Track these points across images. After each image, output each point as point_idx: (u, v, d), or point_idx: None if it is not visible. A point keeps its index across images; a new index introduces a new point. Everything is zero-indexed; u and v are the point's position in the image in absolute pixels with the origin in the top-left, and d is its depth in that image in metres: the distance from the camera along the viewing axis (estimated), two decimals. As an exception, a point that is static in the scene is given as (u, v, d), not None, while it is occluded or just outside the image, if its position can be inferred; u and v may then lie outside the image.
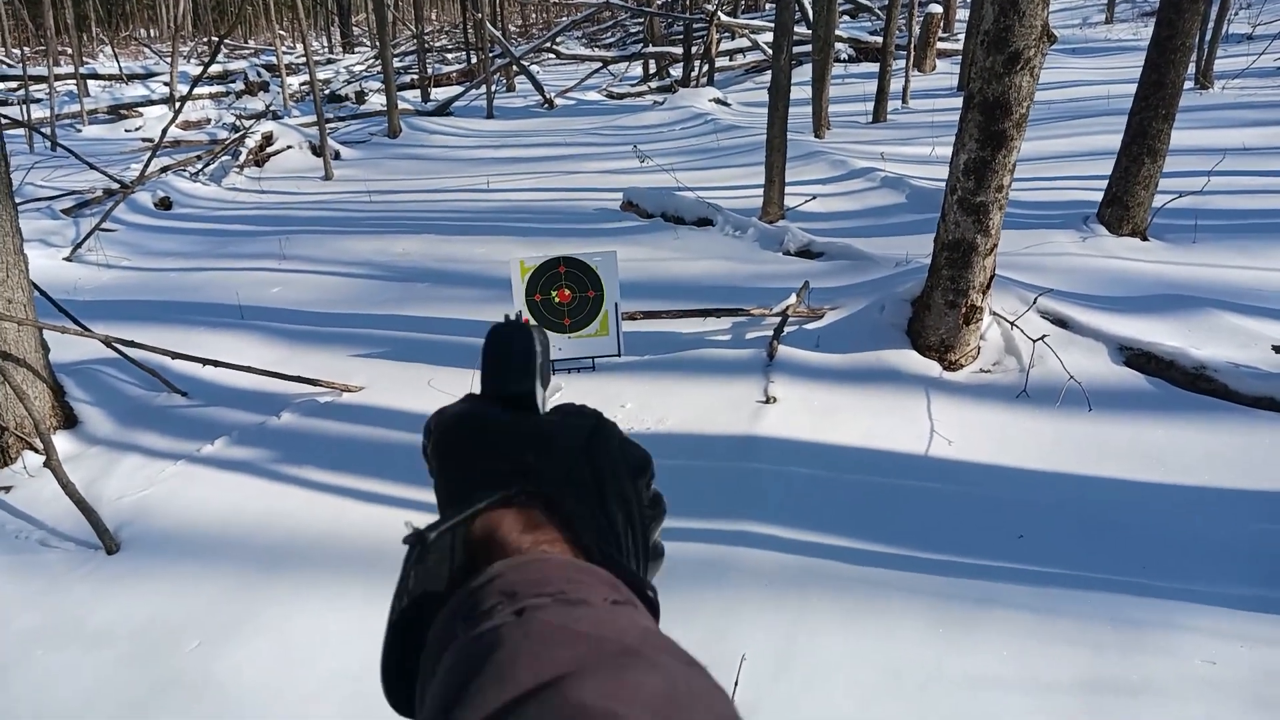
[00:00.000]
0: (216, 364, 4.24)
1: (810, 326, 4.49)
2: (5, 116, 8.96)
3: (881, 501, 3.19)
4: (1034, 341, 3.91)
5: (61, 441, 4.04)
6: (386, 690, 0.50)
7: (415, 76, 18.76)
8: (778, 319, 4.54)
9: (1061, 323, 4.16)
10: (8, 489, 3.77)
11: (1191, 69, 9.69)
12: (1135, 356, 3.93)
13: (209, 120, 15.68)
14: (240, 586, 3.04)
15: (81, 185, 9.78)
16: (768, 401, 3.83)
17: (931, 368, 4.04)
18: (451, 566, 0.51)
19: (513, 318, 0.61)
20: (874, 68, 15.00)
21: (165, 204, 9.20)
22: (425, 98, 17.04)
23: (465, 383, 4.25)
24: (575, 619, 0.42)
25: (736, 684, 2.40)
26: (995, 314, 4.20)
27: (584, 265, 4.27)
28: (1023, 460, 3.36)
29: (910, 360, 4.08)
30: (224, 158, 11.08)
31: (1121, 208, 5.66)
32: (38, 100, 17.15)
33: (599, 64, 20.17)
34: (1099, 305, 4.39)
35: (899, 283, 4.52)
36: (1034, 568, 2.81)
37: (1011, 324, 4.09)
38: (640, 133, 12.41)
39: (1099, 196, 5.96)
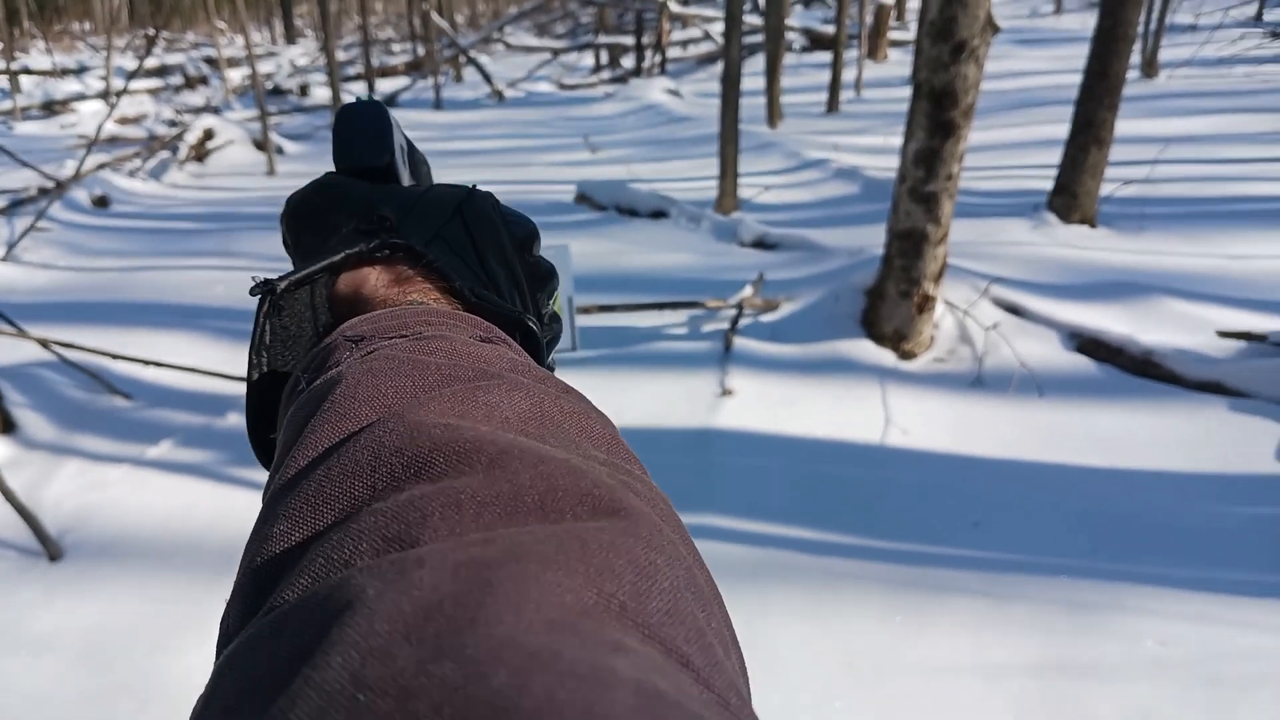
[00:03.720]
0: (158, 365, 4.12)
1: (766, 318, 4.50)
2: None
3: (838, 492, 3.20)
4: (986, 330, 3.95)
5: (-2, 448, 3.90)
6: (258, 455, 0.46)
7: (360, 69, 18.47)
8: (734, 311, 4.54)
9: (1014, 310, 4.22)
10: (-60, 499, 3.63)
11: (1138, 59, 9.91)
12: (1085, 343, 4.00)
13: (147, 116, 15.28)
14: (189, 590, 2.96)
15: (15, 184, 9.46)
16: (725, 394, 3.82)
17: (886, 357, 4.07)
18: (316, 327, 0.47)
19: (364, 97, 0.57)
20: (827, 57, 15.11)
21: (103, 202, 8.93)
22: (371, 90, 16.78)
23: (418, 380, 4.19)
24: (428, 351, 0.38)
25: (697, 679, 2.39)
26: (948, 303, 4.24)
27: (537, 259, 4.21)
28: (977, 448, 3.40)
29: (865, 350, 4.10)
30: (163, 154, 10.79)
31: (1070, 196, 5.75)
32: (-33, 95, 16.58)
33: (549, 54, 20.04)
34: (1050, 293, 4.45)
35: (853, 273, 4.55)
36: (989, 554, 2.84)
37: (964, 313, 4.13)
38: (592, 124, 12.34)
39: (1049, 185, 6.05)
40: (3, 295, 5.87)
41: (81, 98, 16.96)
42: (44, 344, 4.12)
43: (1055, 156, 5.97)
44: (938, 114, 3.72)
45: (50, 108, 16.40)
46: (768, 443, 3.50)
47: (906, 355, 4.12)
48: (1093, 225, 5.81)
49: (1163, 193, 6.35)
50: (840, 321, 4.30)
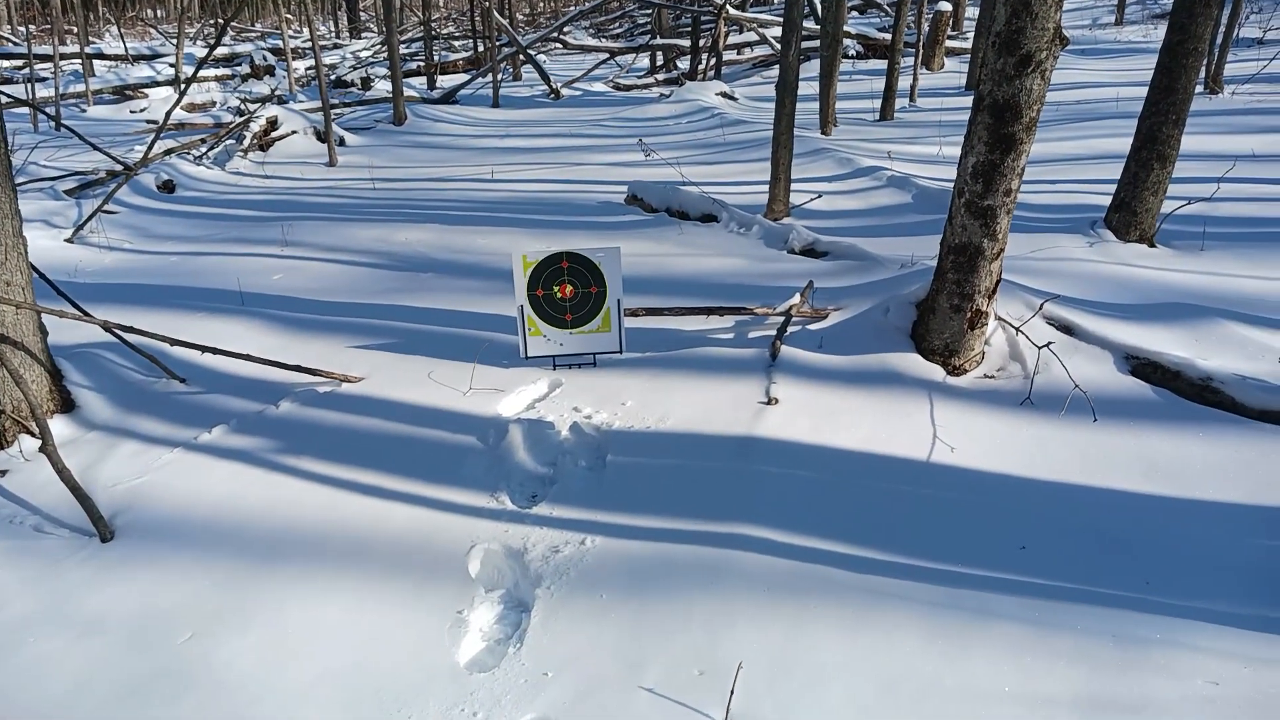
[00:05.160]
0: (215, 351, 4.22)
1: (814, 327, 4.46)
2: (9, 95, 8.92)
3: (882, 507, 3.16)
4: (1039, 348, 3.87)
5: (58, 426, 4.01)
6: None
7: (421, 64, 18.69)
8: (781, 319, 4.51)
9: (1067, 329, 4.13)
10: (3, 473, 3.74)
11: (1201, 73, 9.64)
12: (1141, 366, 3.90)
13: (214, 103, 15.63)
14: (234, 577, 3.02)
15: (85, 166, 9.74)
16: (769, 402, 3.80)
17: (935, 372, 4.01)
18: None
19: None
20: (881, 64, 14.96)
21: (168, 187, 9.16)
22: (431, 85, 16.98)
23: (466, 375, 4.23)
24: None
25: (733, 692, 2.38)
26: (1000, 319, 4.17)
27: (587, 261, 4.23)
28: (1026, 469, 3.33)
29: (914, 364, 4.05)
30: (228, 141, 11.03)
31: (1129, 213, 5.62)
32: (43, 79, 17.10)
33: (606, 55, 20.09)
34: (1105, 312, 4.35)
35: (904, 285, 4.49)
36: (1035, 580, 2.78)
37: (1017, 329, 4.06)
38: (646, 125, 12.35)
39: (1106, 201, 5.92)
40: (69, 276, 6.05)
41: (152, 84, 17.39)
42: (106, 327, 4.23)
43: (1112, 171, 5.84)
44: (999, 127, 3.65)
45: (122, 92, 16.85)
46: (811, 454, 3.47)
47: (956, 370, 4.06)
48: (1151, 244, 5.67)
49: (1224, 212, 6.17)
50: (889, 333, 4.25)
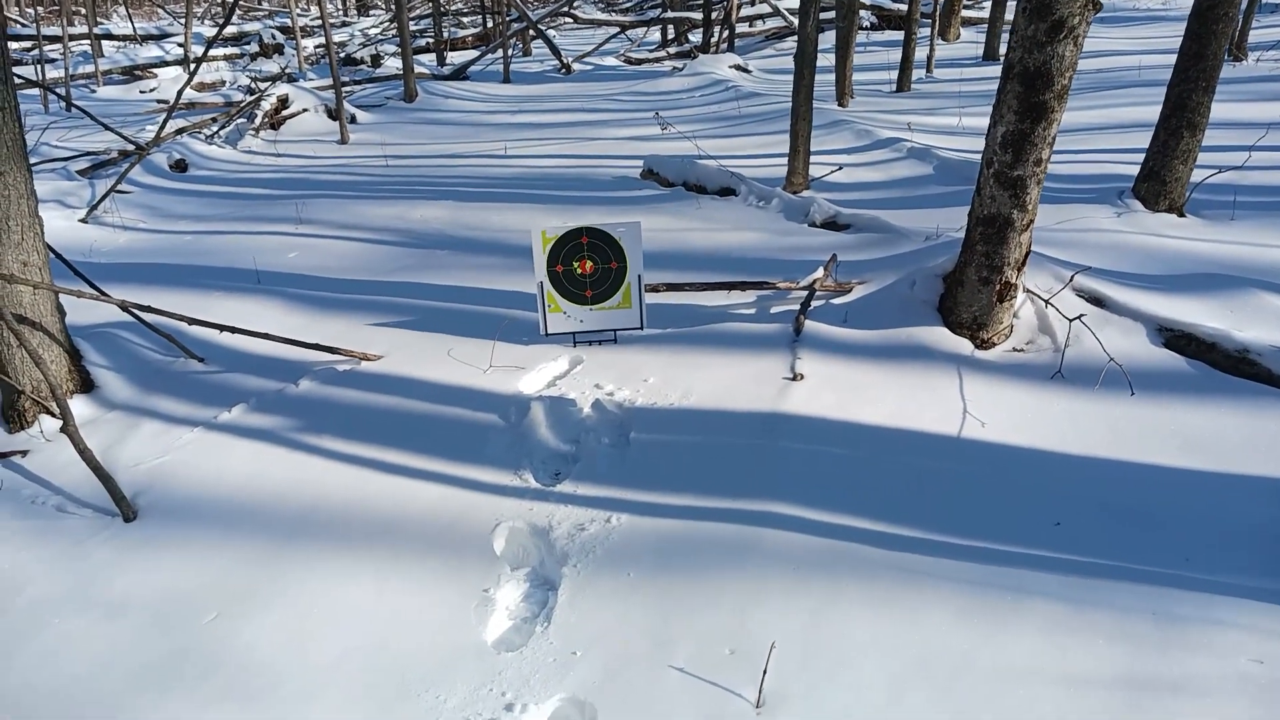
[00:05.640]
0: (234, 330, 4.18)
1: (838, 301, 4.39)
2: (20, 76, 8.87)
3: (911, 484, 3.11)
4: (1070, 321, 3.80)
5: (78, 406, 4.00)
6: None
7: (431, 40, 18.54)
8: (804, 293, 4.44)
9: (1098, 301, 4.05)
10: (24, 453, 3.73)
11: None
12: (1175, 338, 3.82)
13: (224, 82, 15.55)
14: (256, 557, 3.00)
15: (97, 146, 9.71)
16: (794, 378, 3.74)
17: (963, 345, 3.94)
18: None
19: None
20: (896, 35, 14.75)
21: (181, 166, 9.12)
22: (441, 62, 16.85)
23: (486, 352, 4.19)
24: None
25: (765, 671, 2.34)
26: (1029, 291, 4.09)
27: (607, 236, 4.17)
28: (1059, 444, 3.27)
29: (941, 338, 3.98)
30: (239, 120, 10.97)
31: (1158, 182, 5.50)
32: (52, 60, 17.05)
33: (617, 29, 19.88)
34: (1136, 283, 4.26)
35: (930, 257, 4.41)
36: (1070, 556, 2.73)
37: (1046, 302, 3.98)
38: (659, 99, 12.22)
39: (1132, 170, 5.80)
40: (84, 256, 6.03)
41: (161, 63, 17.33)
42: (124, 307, 4.21)
43: (1136, 140, 5.71)
44: (1029, 95, 3.56)
45: (131, 73, 16.80)
46: (838, 430, 3.42)
47: (984, 344, 3.99)
48: (1180, 213, 5.55)
49: (1255, 181, 6.04)
50: (915, 307, 4.18)
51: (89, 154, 9.24)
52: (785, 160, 6.85)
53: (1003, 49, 13.06)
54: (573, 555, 2.92)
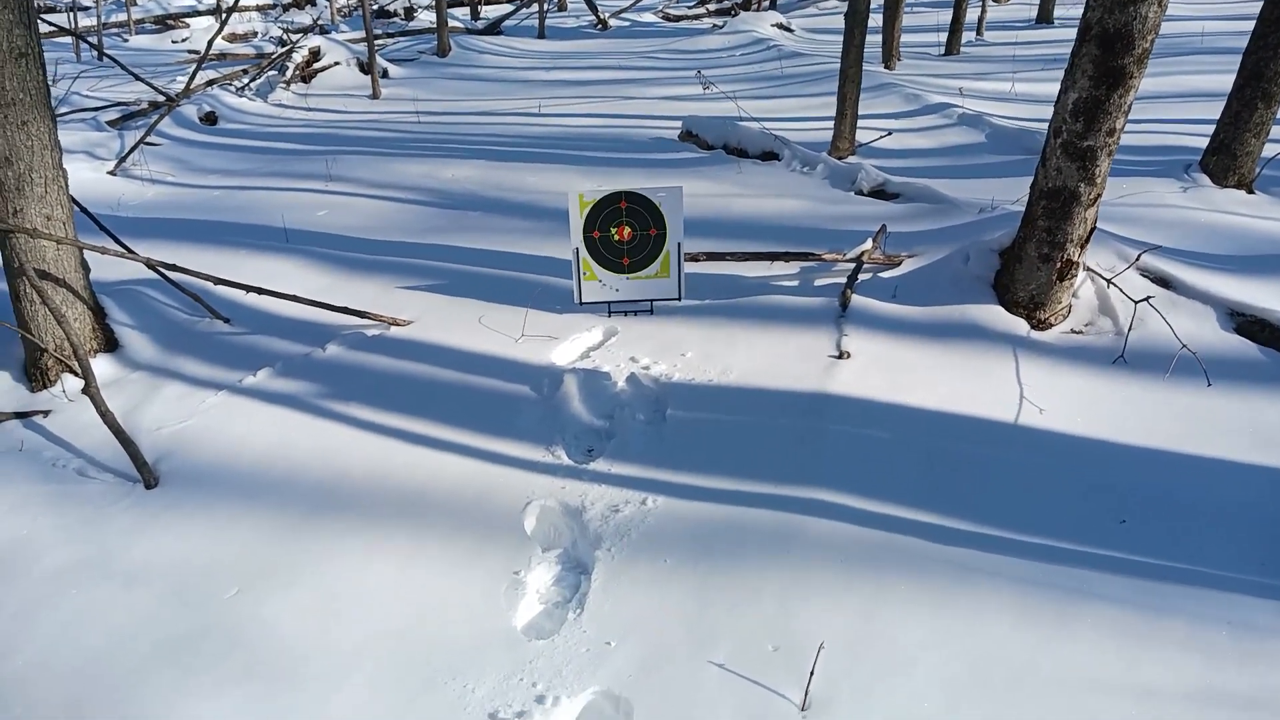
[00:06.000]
0: (261, 291, 4.07)
1: (887, 275, 4.20)
2: (51, 23, 8.77)
3: (966, 473, 2.94)
4: (1136, 303, 3.58)
5: (101, 365, 3.91)
6: None
7: (466, -7, 18.22)
8: (851, 265, 4.24)
9: (1164, 282, 3.82)
10: (46, 413, 3.66)
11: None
12: (1247, 324, 3.60)
13: (256, 34, 15.38)
14: (280, 530, 2.90)
15: (128, 97, 9.61)
16: (840, 356, 3.57)
17: (1019, 325, 3.74)
18: None
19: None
20: (947, -5, 14.23)
21: (211, 119, 9.00)
22: (475, 15, 16.56)
23: (518, 320, 4.05)
24: None
25: (813, 673, 2.20)
26: (1090, 270, 3.87)
27: (647, 201, 3.99)
28: (1122, 434, 3.08)
29: (996, 316, 3.78)
30: (270, 73, 10.82)
31: (1228, 156, 5.21)
32: (85, 8, 16.95)
33: (655, -16, 19.42)
34: (1205, 264, 4.03)
35: (985, 230, 4.19)
36: (1138, 558, 2.56)
37: (1108, 282, 3.76)
38: (699, 58, 11.91)
39: (1198, 142, 5.50)
40: (111, 209, 5.94)
41: (194, 13, 17.18)
42: (150, 265, 4.10)
43: (1201, 110, 5.41)
44: (1107, 59, 3.32)
45: (163, 22, 16.67)
46: (887, 413, 3.24)
47: (1041, 324, 3.78)
48: (1250, 190, 5.27)
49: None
50: (969, 283, 3.98)
51: (119, 104, 9.14)
52: (830, 124, 6.60)
53: (1057, 11, 12.62)
54: (606, 538, 2.79)
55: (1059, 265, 3.68)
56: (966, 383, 3.39)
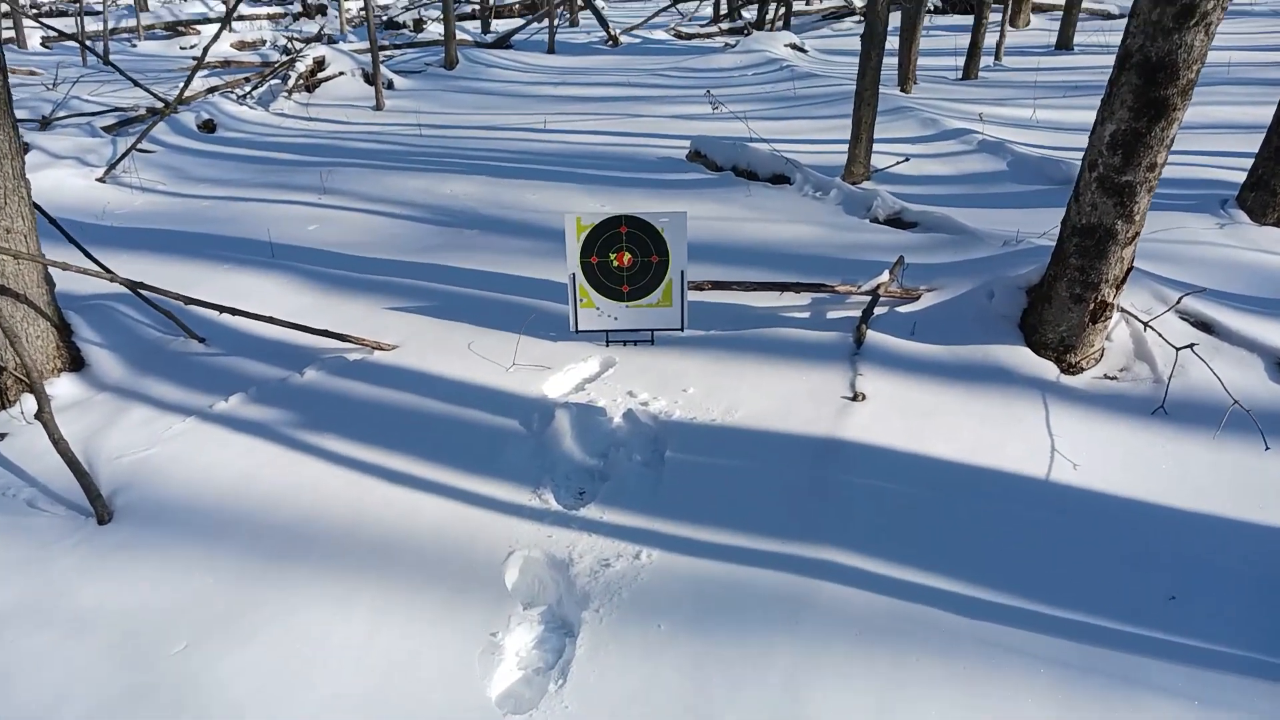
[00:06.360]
0: (235, 312, 3.82)
1: (904, 309, 3.94)
2: (54, 29, 8.60)
3: (993, 535, 2.66)
4: (1178, 350, 3.31)
5: (65, 385, 3.68)
6: None
7: (476, 6, 18.11)
8: (867, 298, 3.98)
9: (1205, 327, 3.56)
10: (2, 436, 3.41)
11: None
12: (1298, 374, 3.33)
13: (264, 42, 15.25)
14: (241, 576, 2.64)
15: (128, 102, 9.42)
16: (854, 398, 3.30)
17: (1047, 369, 3.48)
18: None
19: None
20: (961, 20, 14.08)
21: (209, 127, 8.80)
22: (485, 29, 16.43)
23: (509, 347, 3.79)
24: None
25: (822, 775, 1.93)
26: (1124, 311, 3.61)
27: (649, 227, 3.74)
28: (1166, 495, 2.81)
29: (1022, 358, 3.52)
30: (273, 81, 10.63)
31: (1268, 193, 4.94)
32: (95, 12, 16.85)
33: (667, 1, 19.31)
34: (1249, 307, 3.76)
35: (1010, 265, 3.94)
36: (1190, 641, 2.28)
37: (1145, 325, 3.49)
38: (710, 77, 11.71)
39: (1234, 176, 5.25)
40: (96, 218, 5.71)
41: (204, 20, 17.07)
42: (117, 281, 3.86)
43: (1234, 144, 5.16)
44: (1148, 90, 3.07)
45: (173, 28, 16.55)
46: (906, 463, 2.98)
47: (1071, 368, 3.52)
48: (1289, 228, 5.01)
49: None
50: (993, 321, 3.71)
51: (117, 110, 8.95)
52: (844, 147, 6.36)
53: (1078, 38, 12.40)
54: (595, 596, 2.52)
55: (1092, 306, 3.41)
56: (992, 430, 3.12)
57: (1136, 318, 3.57)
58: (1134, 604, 2.40)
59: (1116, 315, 3.58)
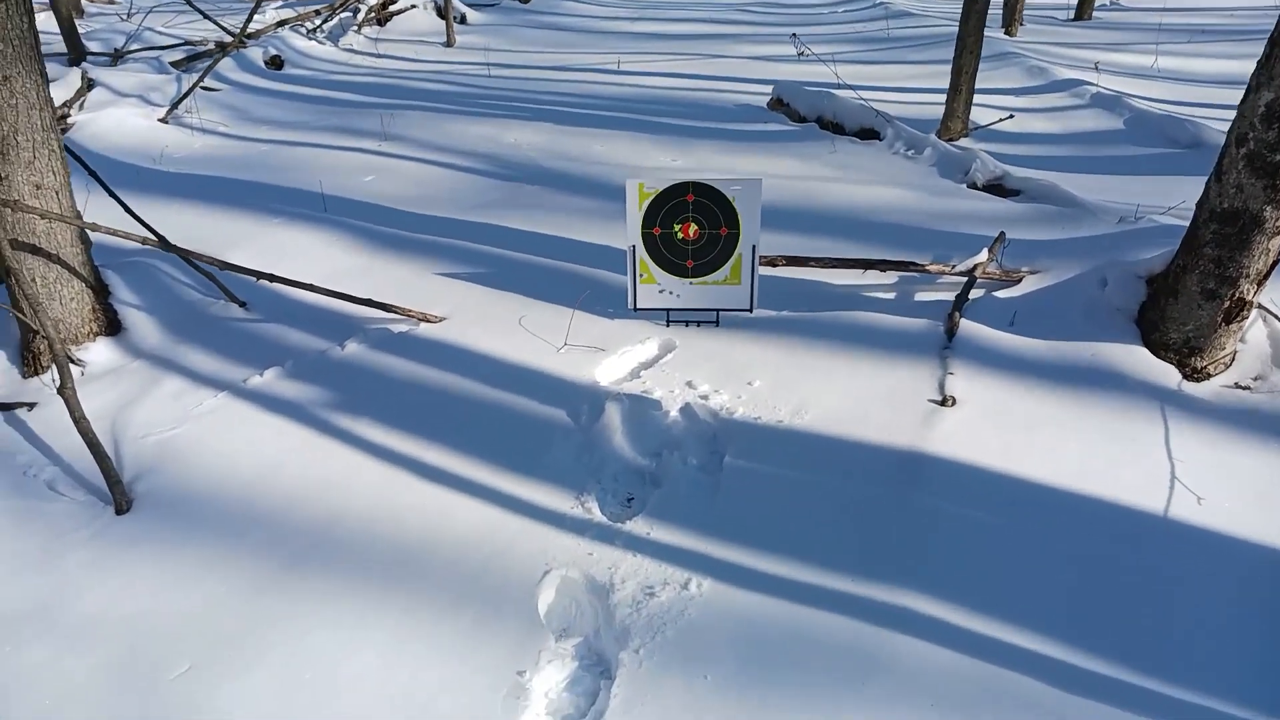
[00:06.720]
0: (273, 279, 3.60)
1: (1003, 294, 3.50)
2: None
3: (1106, 586, 2.29)
4: (1333, 362, 2.84)
5: (102, 350, 3.53)
6: None
7: (557, -66, 17.45)
8: (961, 280, 3.56)
9: (1363, 331, 3.06)
10: (31, 405, 3.27)
11: None
12: None
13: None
14: (254, 584, 2.44)
15: (199, 35, 9.27)
16: (943, 402, 2.92)
17: (1168, 374, 3.03)
18: None
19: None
20: (1076, -49, 12.94)
21: (277, 63, 8.60)
22: (565, -42, 15.80)
23: (562, 323, 3.50)
24: None
25: None
26: (1264, 309, 3.12)
27: (719, 195, 3.37)
28: (1313, 545, 2.38)
29: (1139, 360, 3.07)
30: (344, 14, 10.36)
31: None
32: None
33: (756, -70, 18.33)
34: None
35: (1128, 248, 3.46)
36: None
37: (1291, 327, 3.01)
38: (797, 12, 11.04)
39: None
40: (153, 162, 5.56)
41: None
42: (152, 242, 3.66)
43: None
44: (1324, 49, 2.56)
45: (250, -43, 16.36)
46: (1002, 487, 2.60)
47: (1195, 374, 3.07)
48: None
49: None
50: (1105, 315, 3.27)
51: (188, 44, 8.80)
52: (940, 98, 5.80)
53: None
54: (636, 632, 2.24)
55: (1227, 304, 2.95)
56: (1102, 449, 2.72)
57: (1278, 317, 3.09)
58: (1276, 680, 2.01)
59: (1254, 313, 3.10)
